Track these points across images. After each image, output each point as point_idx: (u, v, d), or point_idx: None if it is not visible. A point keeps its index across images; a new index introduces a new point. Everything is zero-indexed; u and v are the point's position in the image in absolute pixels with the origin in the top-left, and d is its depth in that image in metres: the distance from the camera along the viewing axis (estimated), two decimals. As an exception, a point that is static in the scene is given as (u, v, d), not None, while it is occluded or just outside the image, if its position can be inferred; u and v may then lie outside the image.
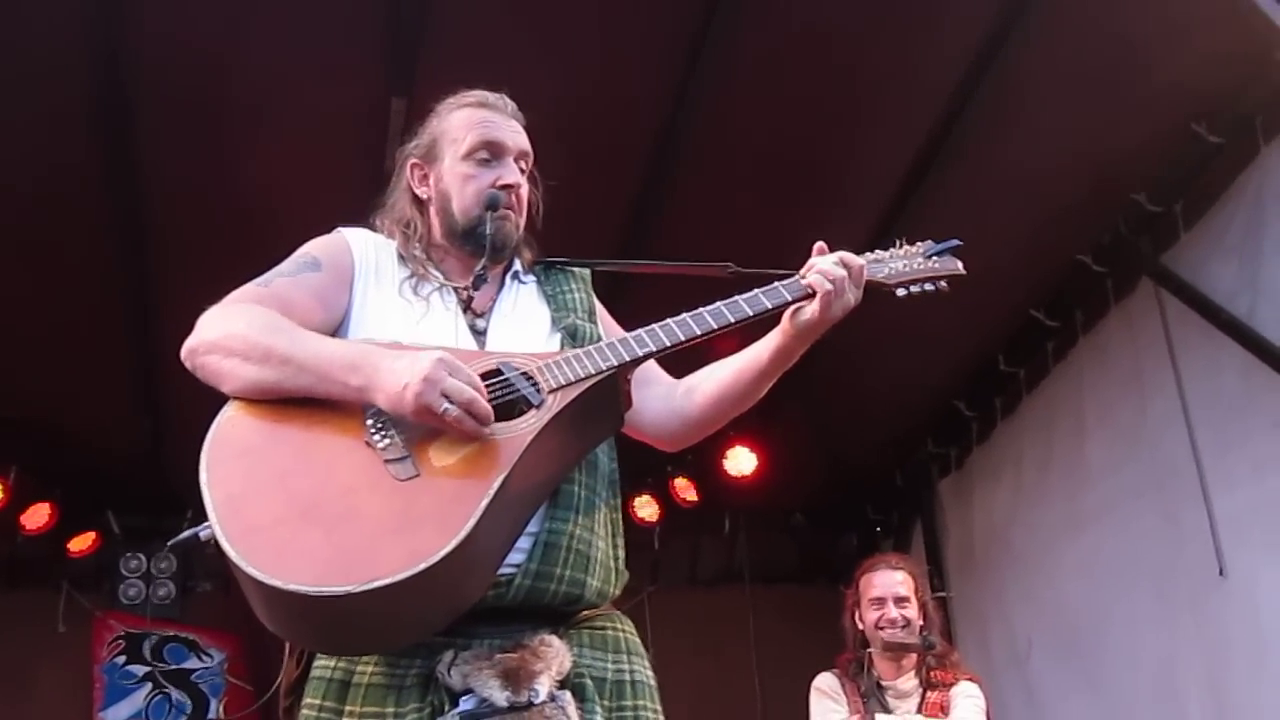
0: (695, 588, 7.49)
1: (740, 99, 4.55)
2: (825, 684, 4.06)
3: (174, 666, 6.80)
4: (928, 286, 2.15)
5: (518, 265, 2.20)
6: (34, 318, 5.15)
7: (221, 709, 6.73)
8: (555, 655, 1.81)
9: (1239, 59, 4.27)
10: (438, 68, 4.10)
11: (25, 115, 4.29)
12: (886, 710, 3.92)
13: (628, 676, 1.95)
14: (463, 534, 1.65)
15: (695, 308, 2.00)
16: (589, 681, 1.86)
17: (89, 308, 5.27)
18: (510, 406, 1.83)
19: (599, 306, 2.25)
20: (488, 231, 2.08)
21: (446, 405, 1.75)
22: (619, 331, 2.09)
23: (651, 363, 2.13)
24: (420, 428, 1.80)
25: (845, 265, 2.03)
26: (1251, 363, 4.49)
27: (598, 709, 1.85)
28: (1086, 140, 4.61)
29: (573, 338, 2.08)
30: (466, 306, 2.09)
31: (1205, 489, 4.74)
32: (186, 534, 1.75)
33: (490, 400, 1.80)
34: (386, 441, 1.79)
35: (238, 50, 4.22)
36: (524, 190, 2.16)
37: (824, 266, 2.02)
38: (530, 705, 1.74)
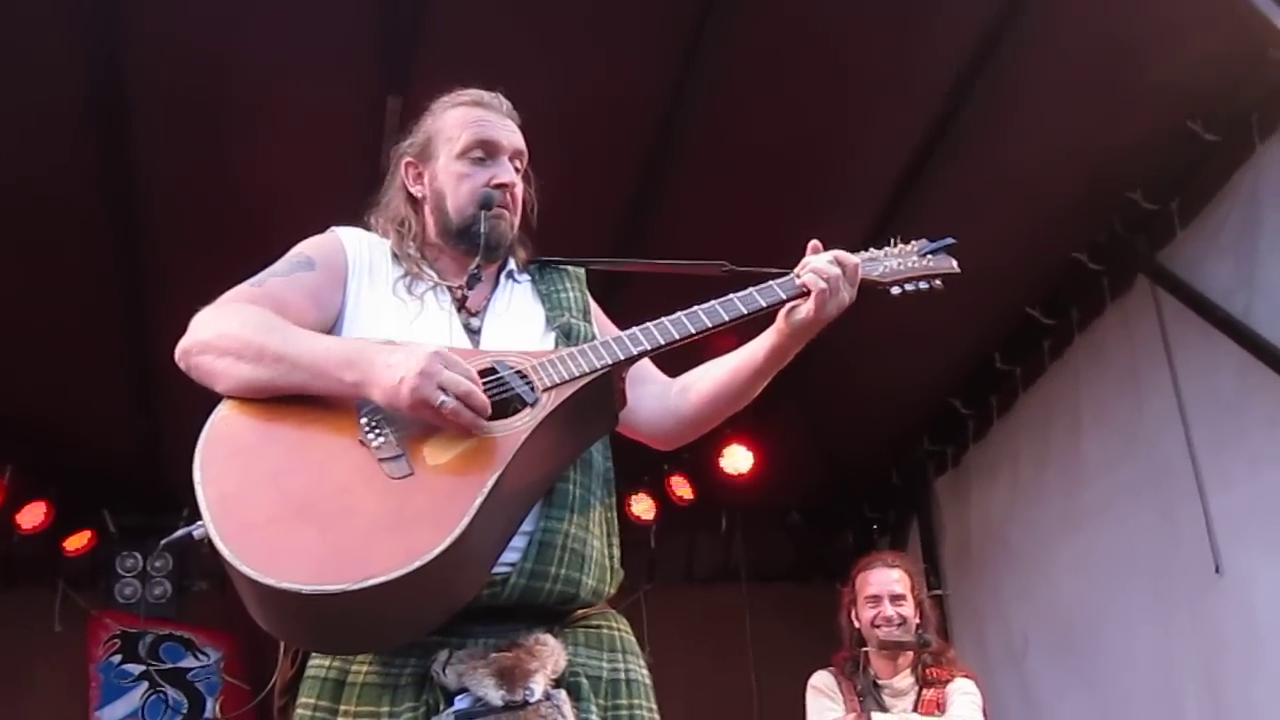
0: (692, 586, 7.49)
1: (736, 98, 4.55)
2: (821, 682, 4.06)
3: (170, 665, 6.79)
4: (922, 285, 2.15)
5: (512, 264, 2.20)
6: (30, 316, 5.14)
7: (218, 708, 6.73)
8: (550, 654, 1.81)
9: (1234, 57, 4.28)
10: (433, 66, 4.10)
11: (22, 113, 4.28)
12: (883, 708, 3.92)
13: (623, 675, 1.95)
14: (457, 532, 1.65)
15: (690, 306, 2.00)
16: (584, 680, 1.86)
17: (85, 306, 5.26)
18: (505, 405, 1.83)
19: (594, 305, 2.25)
20: (482, 230, 2.07)
21: (443, 398, 1.75)
22: (614, 330, 2.09)
23: (646, 361, 2.14)
24: (414, 426, 1.80)
25: (840, 263, 2.03)
26: (1247, 360, 4.50)
27: (593, 708, 1.85)
28: (1082, 138, 4.61)
29: (567, 337, 2.08)
30: (461, 305, 2.08)
31: (1201, 487, 4.74)
32: (180, 533, 1.76)
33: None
34: (381, 440, 1.78)
35: (234, 49, 4.22)
36: (519, 189, 2.16)
37: (818, 265, 2.02)
38: (525, 704, 1.74)
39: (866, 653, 4.02)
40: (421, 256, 2.13)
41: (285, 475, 1.74)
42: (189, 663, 6.83)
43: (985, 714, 3.94)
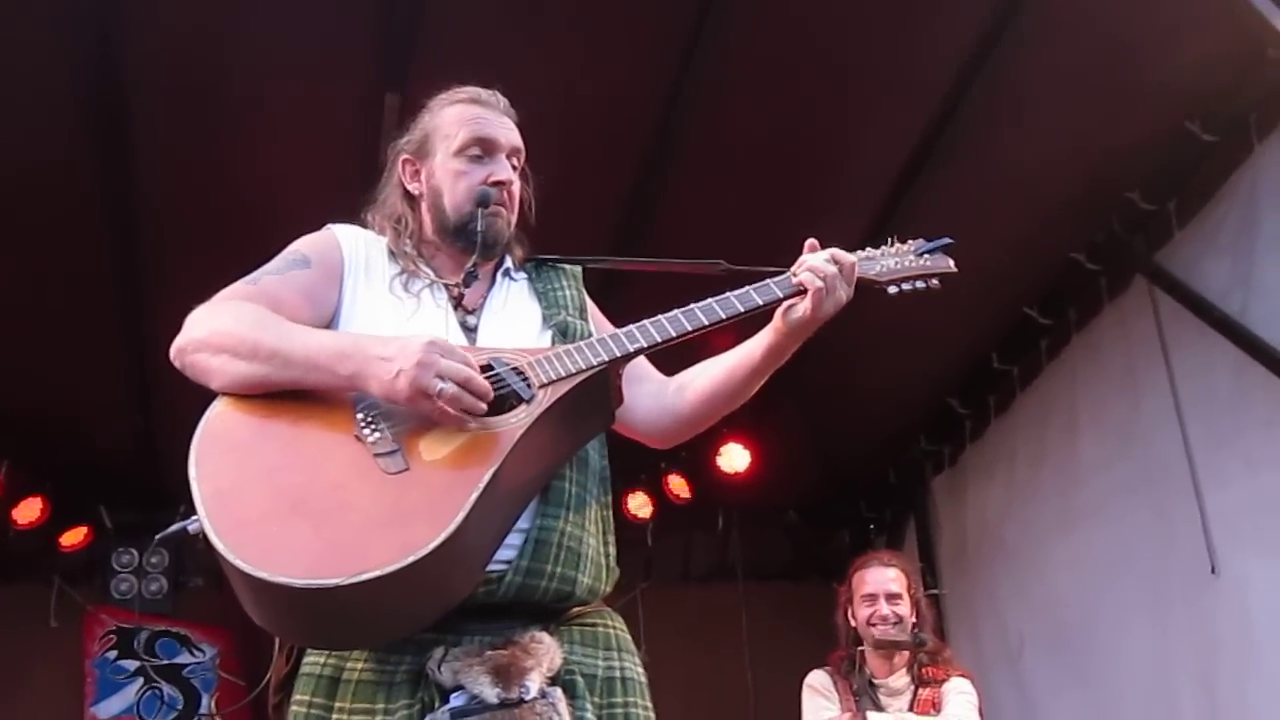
0: (688, 584, 7.49)
1: (734, 97, 4.55)
2: (818, 681, 4.07)
3: (166, 661, 6.78)
4: (919, 284, 2.16)
5: (509, 262, 2.20)
6: (26, 312, 5.14)
7: (213, 704, 6.72)
8: (546, 652, 1.81)
9: (1233, 57, 4.28)
10: (432, 64, 4.09)
11: (18, 109, 4.28)
12: (879, 708, 3.92)
13: (618, 673, 1.95)
14: (452, 527, 1.65)
15: (687, 305, 2.00)
16: (580, 678, 1.86)
17: (81, 302, 5.26)
18: (501, 402, 1.83)
19: (590, 304, 2.25)
20: (479, 228, 2.07)
21: (442, 385, 1.75)
22: (610, 329, 2.09)
23: (643, 360, 2.14)
24: (410, 422, 1.80)
25: (837, 262, 2.03)
26: (1244, 361, 4.50)
27: (588, 706, 1.85)
28: (1080, 138, 4.61)
29: (564, 335, 2.08)
30: (457, 303, 2.08)
31: (1197, 486, 4.75)
32: (174, 527, 1.75)
33: None
34: (376, 435, 1.79)
35: (232, 45, 4.21)
36: (516, 187, 2.15)
37: (815, 263, 2.02)
38: (521, 702, 1.74)
39: (863, 652, 4.02)
40: (418, 254, 2.13)
41: (280, 471, 1.74)
42: (185, 659, 6.82)
43: (981, 713, 3.95)
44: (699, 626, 7.12)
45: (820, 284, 2.00)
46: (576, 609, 1.95)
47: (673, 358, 2.14)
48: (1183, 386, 4.87)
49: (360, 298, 2.05)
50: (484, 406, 1.79)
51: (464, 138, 2.12)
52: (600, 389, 1.95)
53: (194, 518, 1.70)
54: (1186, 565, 4.78)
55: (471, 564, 1.77)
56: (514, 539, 1.86)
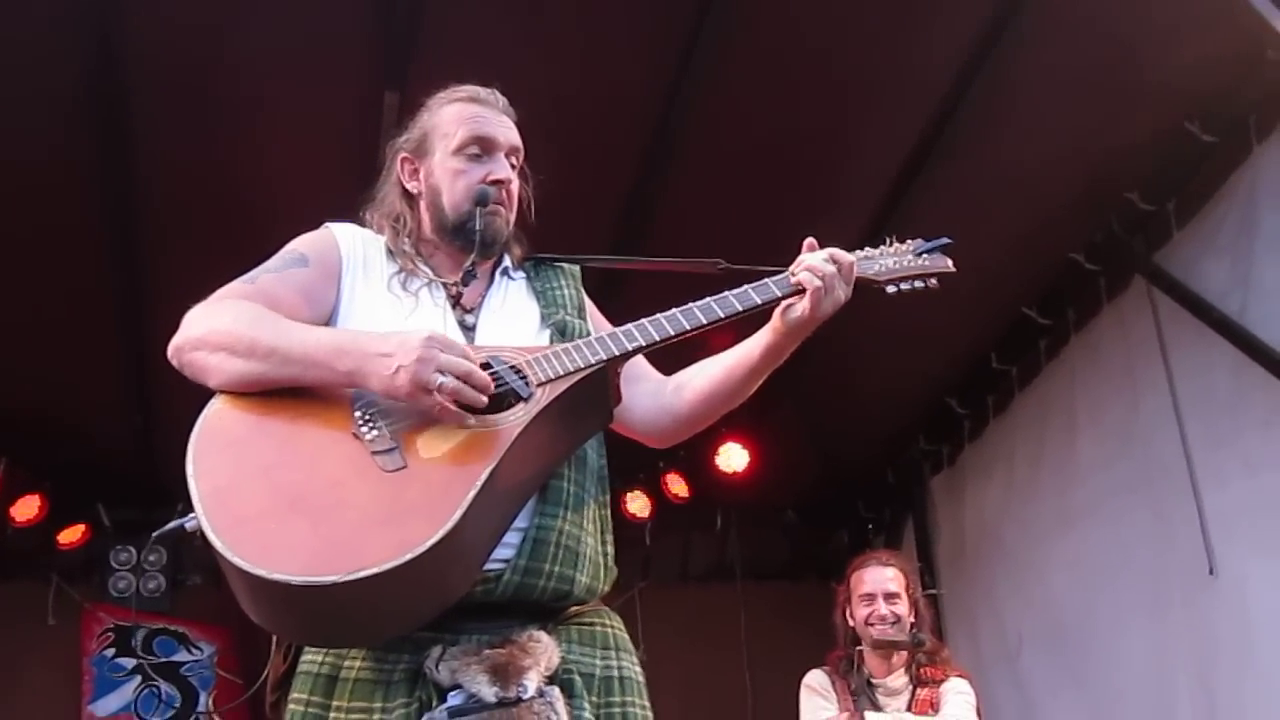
0: (686, 584, 7.49)
1: (734, 97, 4.55)
2: (815, 681, 4.07)
3: (163, 659, 6.78)
4: (918, 284, 2.15)
5: (507, 261, 2.20)
6: (24, 309, 5.13)
7: (211, 702, 6.72)
8: (544, 651, 1.81)
9: (1232, 58, 4.27)
10: (431, 63, 4.09)
11: (17, 106, 4.28)
12: (877, 708, 3.92)
13: (616, 672, 1.95)
14: (450, 524, 1.65)
15: (685, 304, 2.00)
16: (577, 677, 1.86)
17: (80, 300, 5.26)
18: (499, 400, 1.83)
19: (589, 303, 2.25)
20: (477, 227, 2.07)
21: (442, 379, 1.75)
22: (608, 328, 2.08)
23: (641, 359, 2.14)
24: (408, 419, 1.80)
25: (835, 262, 2.03)
26: (1242, 361, 4.50)
27: (586, 705, 1.85)
28: (1080, 139, 4.61)
29: (562, 334, 2.07)
30: (455, 302, 2.08)
31: (1196, 487, 4.75)
32: (172, 525, 1.75)
33: None
34: (374, 433, 1.78)
35: (231, 43, 4.21)
36: (514, 186, 2.15)
37: (814, 263, 2.02)
38: (519, 701, 1.74)
39: (861, 651, 4.03)
40: (416, 253, 2.13)
41: (278, 468, 1.74)
42: (182, 657, 6.82)
43: (979, 713, 3.95)
44: (697, 626, 7.11)
45: (819, 283, 2.00)
46: (574, 608, 1.95)
47: (671, 357, 2.14)
48: (1181, 387, 4.87)
49: (358, 296, 2.05)
50: (485, 400, 1.78)
51: (463, 136, 2.11)
52: (598, 388, 1.95)
53: (191, 515, 1.69)
54: (1185, 565, 4.78)
55: (469, 562, 1.77)
56: (512, 538, 1.86)
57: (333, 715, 1.82)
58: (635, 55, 4.44)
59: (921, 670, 3.97)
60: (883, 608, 3.99)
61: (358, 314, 2.03)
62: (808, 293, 2.00)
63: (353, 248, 2.11)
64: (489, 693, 1.74)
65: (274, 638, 1.92)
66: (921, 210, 4.85)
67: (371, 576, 1.59)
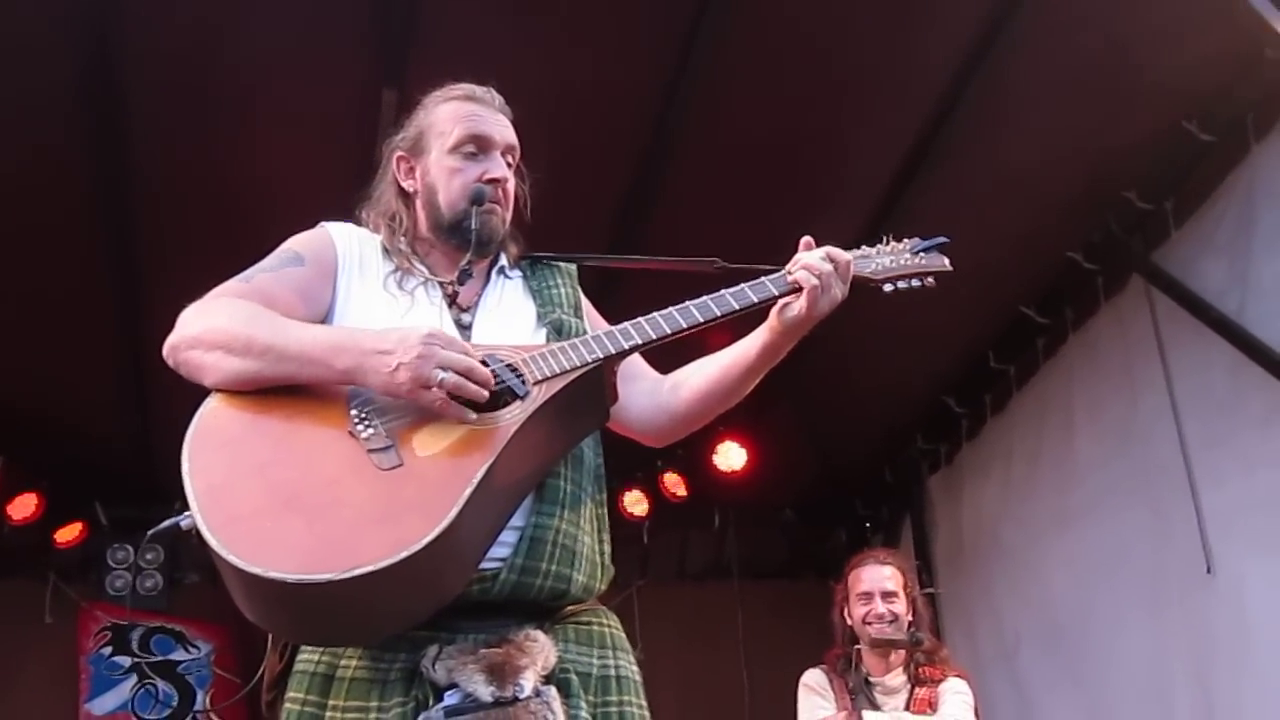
0: (684, 582, 7.49)
1: (731, 96, 4.55)
2: (813, 680, 4.06)
3: (160, 658, 6.78)
4: (914, 283, 2.15)
5: (504, 260, 2.19)
6: (21, 307, 5.13)
7: (208, 701, 6.72)
8: (540, 650, 1.80)
9: (1231, 57, 4.28)
10: (429, 60, 4.09)
11: (15, 104, 4.27)
12: (875, 707, 3.92)
13: (613, 672, 1.95)
14: (446, 522, 1.65)
15: (682, 303, 2.00)
16: (574, 677, 1.86)
17: (77, 298, 5.25)
18: (495, 398, 1.82)
19: (585, 302, 2.24)
20: (473, 226, 2.06)
21: (444, 375, 1.75)
22: (605, 327, 2.08)
23: (637, 358, 2.13)
24: (405, 417, 1.79)
25: (832, 260, 2.03)
26: (1240, 360, 4.50)
27: (583, 704, 1.84)
28: (1078, 138, 4.61)
29: (558, 333, 2.07)
30: (452, 301, 2.08)
31: (1193, 486, 4.75)
32: (167, 523, 1.75)
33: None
34: (370, 431, 1.78)
35: (229, 41, 4.21)
36: (510, 185, 2.15)
37: (810, 261, 2.02)
38: (515, 700, 1.74)
39: (859, 650, 4.02)
40: (412, 251, 2.12)
41: (273, 466, 1.74)
42: (179, 655, 6.82)
43: (977, 713, 3.94)
44: (695, 625, 7.12)
45: (815, 282, 2.00)
46: (571, 607, 1.94)
47: (668, 356, 2.14)
48: (1179, 386, 4.87)
49: (354, 295, 2.05)
50: (486, 395, 1.79)
51: (459, 135, 2.11)
52: (595, 386, 1.94)
53: (187, 513, 1.69)
54: (1182, 564, 4.78)
55: (465, 561, 1.77)
56: (509, 536, 1.86)
57: (329, 714, 1.81)
58: (633, 55, 4.43)
59: (920, 669, 3.97)
60: (880, 606, 3.99)
61: (353, 313, 2.02)
62: (804, 291, 2.00)
63: (348, 246, 2.10)
64: (485, 692, 1.73)
65: (270, 636, 1.91)
66: (919, 209, 4.85)
67: (367, 575, 1.59)
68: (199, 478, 1.71)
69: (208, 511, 1.67)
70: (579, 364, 1.90)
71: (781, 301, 2.03)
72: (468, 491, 1.69)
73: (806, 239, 2.09)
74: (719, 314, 1.99)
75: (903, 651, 3.98)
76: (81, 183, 4.74)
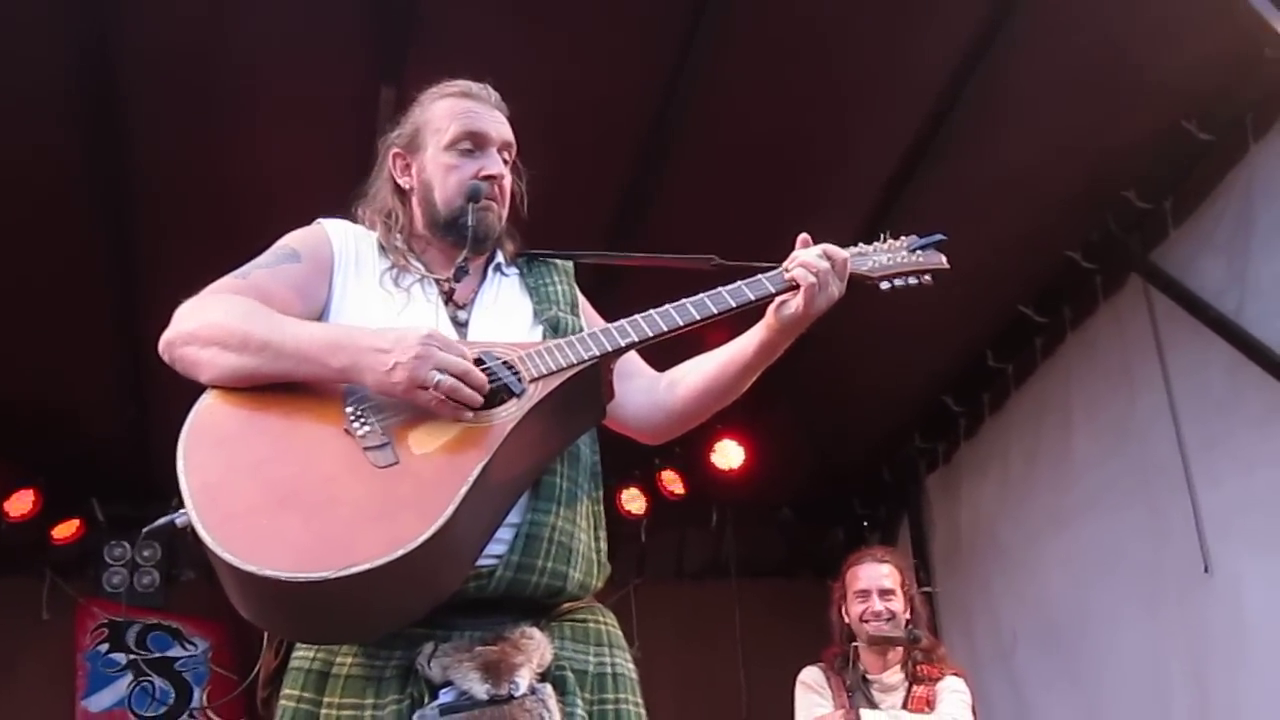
0: (682, 581, 7.49)
1: (729, 94, 4.54)
2: (811, 678, 4.06)
3: (157, 655, 6.77)
4: (911, 280, 2.15)
5: (500, 257, 2.19)
6: (19, 305, 5.12)
7: (205, 698, 6.71)
8: (536, 648, 1.80)
9: (1230, 57, 4.27)
10: (428, 57, 4.08)
11: (12, 98, 4.26)
12: (872, 705, 3.92)
13: (609, 669, 1.95)
14: (442, 520, 1.64)
15: (679, 300, 2.00)
16: (570, 674, 1.86)
17: (76, 296, 5.24)
18: (492, 395, 1.82)
19: (582, 299, 2.24)
20: (470, 223, 2.06)
21: (440, 377, 1.74)
22: (601, 324, 2.08)
23: (634, 355, 2.13)
24: (401, 415, 1.79)
25: (829, 258, 2.03)
26: (1238, 360, 4.50)
27: (579, 702, 1.84)
28: (1077, 137, 4.61)
29: (555, 330, 2.07)
30: (448, 298, 2.07)
31: (1191, 485, 4.75)
32: (162, 521, 1.75)
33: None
34: (366, 429, 1.78)
35: (227, 37, 4.20)
36: (507, 181, 2.14)
37: (807, 259, 2.02)
38: (510, 698, 1.73)
39: (856, 648, 4.02)
40: (408, 248, 2.12)
41: (269, 464, 1.73)
42: (176, 652, 6.81)
43: (974, 712, 3.94)
44: (692, 623, 7.12)
45: (812, 279, 2.00)
46: (567, 604, 1.94)
47: (665, 353, 2.13)
48: (1177, 385, 4.87)
49: (350, 292, 2.04)
50: (480, 399, 1.78)
51: (455, 131, 2.11)
52: (591, 383, 1.94)
53: (182, 511, 1.69)
54: (1180, 563, 4.78)
55: (461, 558, 1.77)
56: (504, 534, 1.85)
57: (324, 712, 1.81)
58: (631, 53, 4.43)
59: (917, 667, 3.97)
60: (878, 604, 3.99)
61: (349, 310, 2.02)
62: (801, 289, 2.00)
63: (345, 243, 2.10)
64: (480, 690, 1.73)
65: (266, 634, 1.91)
66: (918, 209, 4.84)
67: (363, 573, 1.59)
68: (194, 475, 1.70)
69: (203, 509, 1.67)
70: (575, 361, 1.89)
71: (779, 299, 2.02)
72: (464, 489, 1.68)
73: (803, 236, 2.08)
74: (716, 311, 1.99)
75: (900, 649, 3.98)
76: (79, 179, 4.73)
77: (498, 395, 1.83)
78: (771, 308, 2.04)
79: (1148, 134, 4.68)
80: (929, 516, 6.96)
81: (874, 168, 4.93)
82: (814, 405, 6.19)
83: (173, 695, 6.72)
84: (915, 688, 3.93)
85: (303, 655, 1.87)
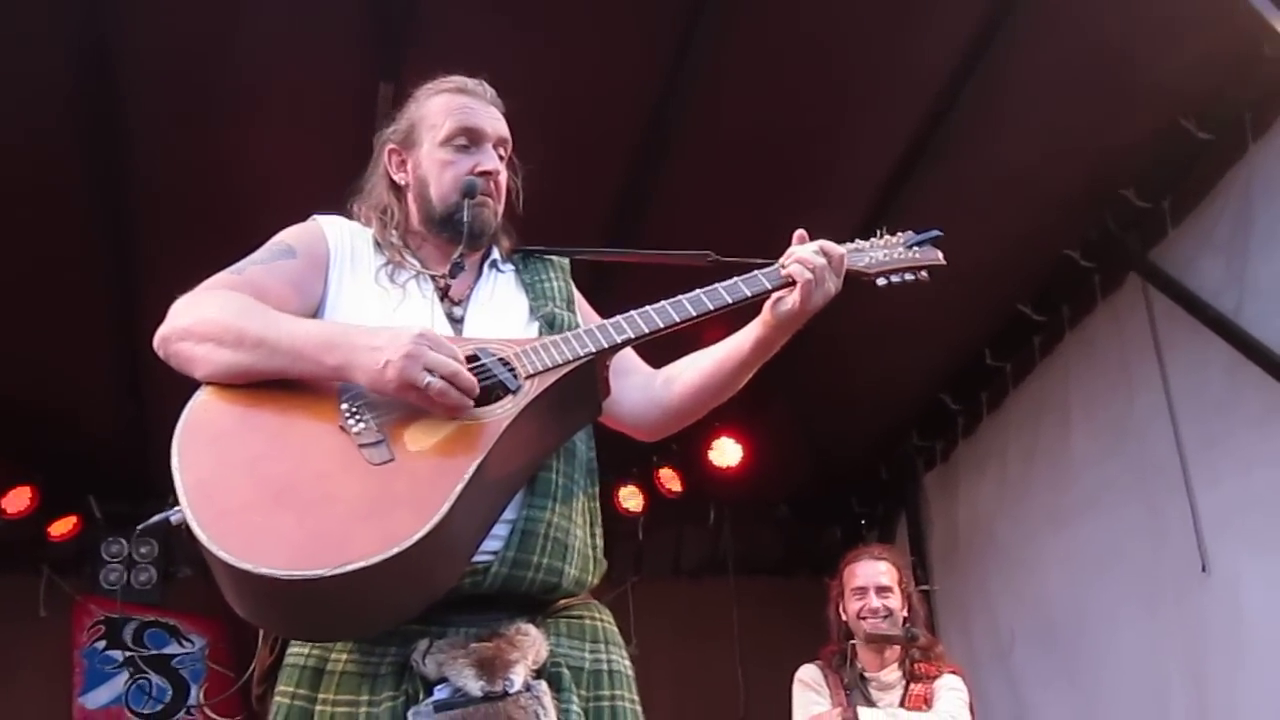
0: (679, 578, 7.49)
1: (728, 93, 4.54)
2: (808, 676, 4.06)
3: (154, 652, 6.77)
4: (908, 276, 2.15)
5: (496, 253, 2.19)
6: (17, 301, 5.12)
7: (202, 695, 6.71)
8: (532, 644, 1.80)
9: (1229, 56, 4.27)
10: (425, 54, 4.08)
11: (10, 96, 4.26)
12: (870, 702, 3.92)
13: (605, 666, 1.95)
14: (437, 517, 1.64)
15: (675, 297, 1.99)
16: (566, 671, 1.86)
17: (73, 292, 5.24)
18: (487, 392, 1.82)
19: (578, 296, 2.24)
20: (465, 219, 2.06)
21: (430, 379, 1.74)
22: (597, 321, 2.08)
23: (630, 352, 2.13)
24: (396, 412, 1.79)
25: (825, 254, 2.03)
26: (1237, 359, 4.50)
27: (574, 699, 1.84)
28: (1076, 136, 4.60)
29: (551, 326, 2.06)
30: (444, 294, 2.07)
31: (1189, 485, 4.74)
32: (157, 518, 1.74)
33: None
34: (361, 425, 1.77)
35: (225, 34, 4.19)
36: (502, 177, 2.14)
37: (804, 255, 2.02)
38: (505, 695, 1.73)
39: (854, 646, 4.02)
40: (404, 245, 2.12)
41: (264, 461, 1.73)
42: (173, 649, 6.81)
43: (972, 710, 3.94)
44: (690, 621, 7.12)
45: (809, 276, 1.99)
46: (563, 601, 1.94)
47: (661, 350, 2.13)
48: (1176, 385, 4.86)
49: (345, 288, 2.04)
50: (470, 403, 1.78)
51: (450, 127, 2.10)
52: (587, 380, 1.94)
53: (177, 508, 1.68)
54: (1178, 563, 4.78)
55: (457, 555, 1.76)
56: (500, 530, 1.85)
57: (319, 708, 1.81)
58: (630, 50, 4.42)
59: (915, 665, 3.97)
60: (875, 601, 3.99)
61: (345, 306, 2.02)
62: (798, 285, 2.00)
63: (340, 240, 2.09)
64: (475, 686, 1.73)
65: (261, 631, 1.91)
66: (916, 208, 4.83)
67: (358, 570, 1.58)
68: (189, 472, 1.70)
69: (197, 506, 1.66)
70: (571, 358, 1.89)
71: (775, 295, 2.02)
72: (459, 487, 1.68)
73: (800, 232, 2.09)
74: (712, 308, 1.99)
75: (898, 647, 3.98)
76: (77, 176, 4.72)
77: (493, 392, 1.82)
78: (768, 304, 2.03)
79: (1147, 133, 4.67)
80: (927, 515, 6.95)
81: (872, 167, 4.93)
82: (812, 403, 6.19)
83: (169, 692, 6.72)
84: (913, 686, 3.93)
85: (298, 652, 1.86)
